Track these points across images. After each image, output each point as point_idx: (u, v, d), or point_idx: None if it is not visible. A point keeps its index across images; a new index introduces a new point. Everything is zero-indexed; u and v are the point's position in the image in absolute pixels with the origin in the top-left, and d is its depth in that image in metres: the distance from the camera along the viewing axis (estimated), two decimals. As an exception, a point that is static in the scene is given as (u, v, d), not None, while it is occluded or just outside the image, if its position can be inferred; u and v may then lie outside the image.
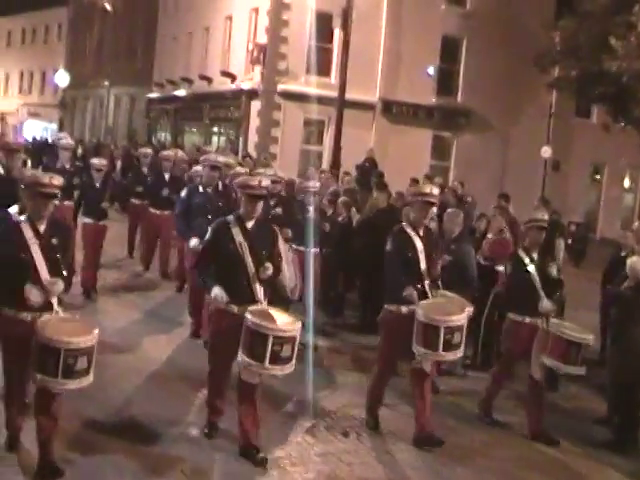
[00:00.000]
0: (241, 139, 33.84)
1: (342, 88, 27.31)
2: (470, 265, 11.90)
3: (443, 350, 8.51)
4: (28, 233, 7.00)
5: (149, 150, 19.46)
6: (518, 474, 8.49)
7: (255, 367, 7.56)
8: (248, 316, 7.56)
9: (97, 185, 14.39)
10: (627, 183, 37.91)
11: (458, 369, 12.04)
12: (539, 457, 9.10)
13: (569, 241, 13.72)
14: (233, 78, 34.67)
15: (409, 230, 8.99)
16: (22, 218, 7.07)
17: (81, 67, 54.92)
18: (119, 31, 51.05)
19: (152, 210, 16.60)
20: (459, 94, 34.30)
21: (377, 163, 24.55)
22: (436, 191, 9.41)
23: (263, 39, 32.36)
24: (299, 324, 7.71)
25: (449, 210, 13.20)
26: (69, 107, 58.64)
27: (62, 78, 45.44)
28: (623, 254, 12.44)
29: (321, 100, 30.22)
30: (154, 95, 44.71)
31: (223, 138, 37.83)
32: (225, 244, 7.93)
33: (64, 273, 7.12)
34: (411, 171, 21.42)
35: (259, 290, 7.92)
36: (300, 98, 31.41)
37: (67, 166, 15.20)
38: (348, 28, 27.13)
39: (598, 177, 38.03)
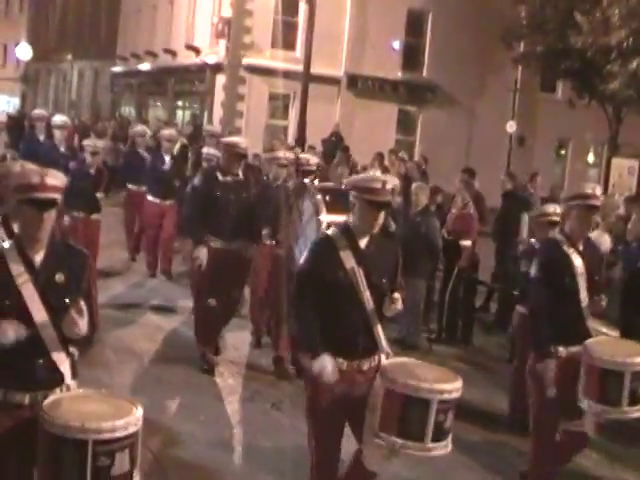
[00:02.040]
0: (206, 113, 33.64)
1: (307, 62, 27.16)
2: (435, 238, 11.94)
3: (628, 404, 6.37)
4: (16, 267, 4.59)
5: (145, 129, 17.17)
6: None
7: (413, 448, 5.44)
8: (394, 376, 5.43)
9: (91, 172, 12.70)
10: (591, 158, 38.08)
11: (424, 343, 12.05)
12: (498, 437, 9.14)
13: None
14: (198, 52, 34.41)
15: (565, 247, 6.80)
16: (6, 245, 4.68)
17: (44, 40, 54.30)
18: (82, 4, 50.50)
19: (151, 199, 14.51)
20: (425, 69, 34.26)
21: (343, 137, 24.49)
22: (599, 191, 7.44)
23: (228, 12, 32.10)
24: (459, 380, 5.57)
25: (415, 184, 13.21)
26: (31, 81, 58.08)
27: (24, 51, 44.87)
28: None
29: (286, 74, 30.10)
30: (118, 69, 44.33)
31: (188, 112, 37.62)
32: (331, 273, 5.67)
33: (79, 327, 4.59)
34: (376, 145, 21.33)
35: (380, 334, 5.78)
36: (265, 72, 31.26)
37: (62, 149, 14.03)
38: (313, 1, 26.93)
39: (563, 152, 38.19)
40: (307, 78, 27.39)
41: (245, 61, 31.63)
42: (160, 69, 38.14)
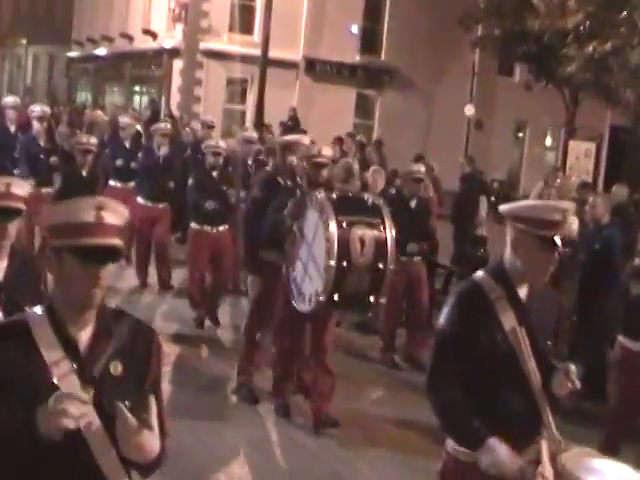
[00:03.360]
0: (163, 98, 33.39)
1: (265, 46, 27.04)
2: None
3: None
4: (50, 353, 3.12)
5: (130, 120, 15.75)
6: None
7: None
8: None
9: (84, 173, 11.76)
10: (549, 141, 38.34)
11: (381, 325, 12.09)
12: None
13: (492, 198, 13.80)
14: (154, 36, 34.11)
15: None
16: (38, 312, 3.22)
17: (-3, 25, 53.63)
18: (37, -13, 49.91)
19: (142, 201, 13.03)
20: (383, 52, 34.25)
21: (300, 121, 24.43)
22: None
23: (185, -4, 31.89)
24: None
25: (373, 167, 13.24)
26: (-15, 66, 57.33)
27: (-23, 36, 44.29)
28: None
29: (244, 58, 29.92)
30: (74, 54, 43.86)
31: (145, 97, 37.33)
32: (485, 337, 4.15)
33: (150, 448, 3.16)
34: (335, 129, 21.30)
35: (550, 420, 4.31)
36: (223, 56, 31.10)
37: (41, 143, 12.90)
38: (271, -15, 26.82)
39: (520, 135, 38.40)
40: (265, 62, 27.28)
41: (202, 45, 31.44)
42: (117, 54, 37.78)
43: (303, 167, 8.57)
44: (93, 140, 12.35)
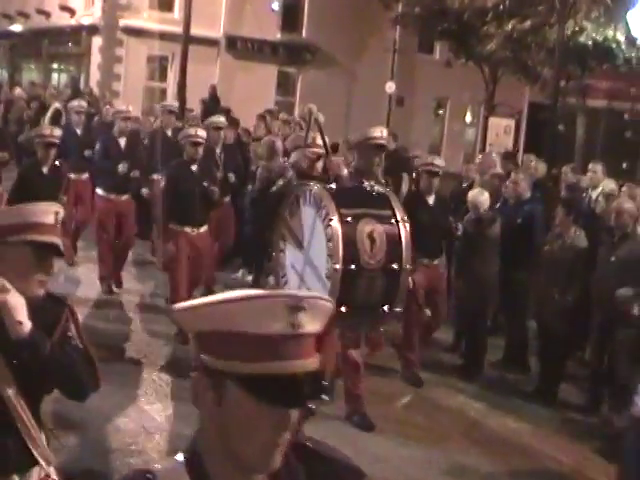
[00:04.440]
0: (82, 76, 32.94)
1: (186, 23, 26.79)
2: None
3: None
4: None
5: (83, 103, 14.68)
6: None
7: None
8: None
9: (45, 170, 10.57)
10: (469, 118, 38.73)
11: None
12: (388, 388, 9.33)
13: (413, 175, 13.94)
14: (72, 13, 33.57)
15: None
16: None
17: None
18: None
19: (102, 193, 12.23)
20: (304, 30, 34.21)
21: (219, 99, 24.36)
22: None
23: (103, -28, 31.44)
24: None
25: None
26: None
27: None
28: (464, 185, 12.80)
29: (164, 36, 29.63)
30: (-12, 30, 42.96)
31: (64, 75, 36.76)
32: None
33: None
34: (257, 107, 21.24)
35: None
36: (143, 34, 30.74)
37: None
38: (191, -38, 26.56)
39: (441, 112, 38.73)
40: (186, 40, 27.05)
41: (122, 22, 31.05)
42: (33, 30, 37.05)
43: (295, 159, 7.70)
44: (57, 132, 10.87)
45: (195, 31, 27.48)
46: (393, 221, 6.62)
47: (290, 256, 6.81)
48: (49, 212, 3.51)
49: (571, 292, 9.36)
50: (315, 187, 6.68)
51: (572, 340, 9.97)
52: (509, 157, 15.13)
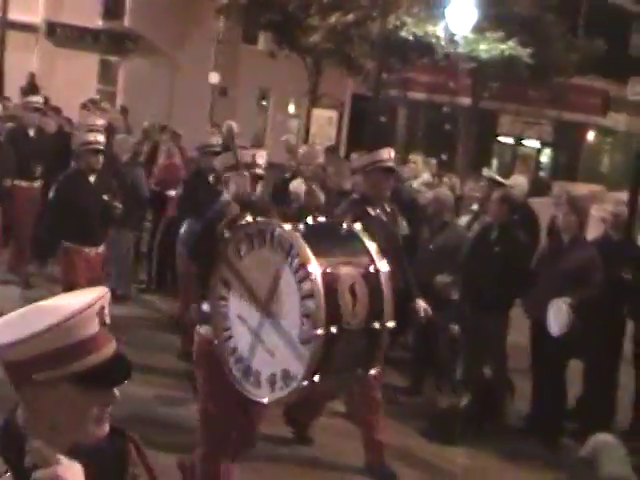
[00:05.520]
0: None
1: (4, 8, 25.98)
2: (141, 189, 11.97)
3: None
4: None
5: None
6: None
7: None
8: None
9: None
10: (292, 109, 39.01)
11: (134, 294, 12.09)
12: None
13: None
14: None
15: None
16: None
17: None
18: None
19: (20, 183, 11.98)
20: (126, 18, 33.64)
21: (38, 87, 23.76)
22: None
23: None
24: None
25: (118, 136, 13.11)
26: None
27: None
28: (287, 176, 12.90)
29: (-21, 21, 28.61)
30: None
31: None
32: None
33: None
34: (78, 96, 20.76)
35: None
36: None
37: None
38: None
39: (265, 103, 38.87)
40: (4, 25, 26.21)
41: None
42: None
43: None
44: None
45: (13, 16, 26.70)
46: (372, 269, 5.54)
47: (236, 307, 5.58)
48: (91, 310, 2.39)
49: (394, 278, 9.55)
50: (280, 226, 5.41)
51: (398, 325, 10.18)
52: (332, 151, 15.39)
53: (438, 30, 25.97)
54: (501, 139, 38.75)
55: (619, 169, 35.78)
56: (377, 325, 5.46)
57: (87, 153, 9.19)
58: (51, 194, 9.25)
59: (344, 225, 5.78)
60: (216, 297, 5.70)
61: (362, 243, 5.67)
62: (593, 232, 11.31)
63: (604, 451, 8.20)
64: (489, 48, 26.24)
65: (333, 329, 5.16)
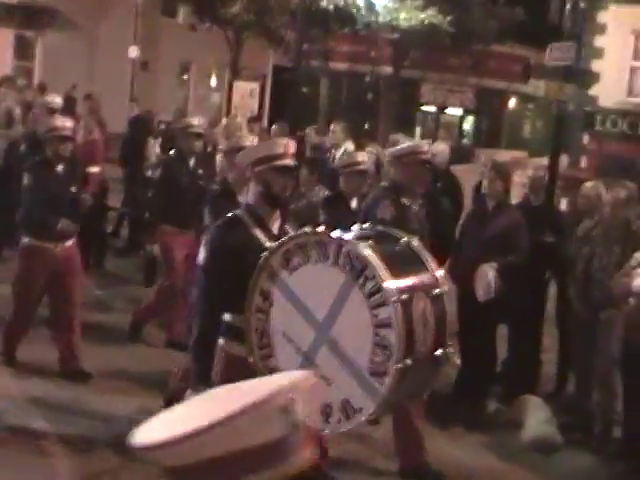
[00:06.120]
0: None
1: None
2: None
3: None
4: None
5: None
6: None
7: None
8: None
9: None
10: (214, 82, 38.71)
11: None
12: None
13: (159, 139, 13.89)
14: None
15: None
16: None
17: None
18: None
19: None
20: (42, -8, 33.03)
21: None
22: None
23: None
24: None
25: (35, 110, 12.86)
26: None
27: None
28: (209, 150, 12.81)
29: None
30: None
31: None
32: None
33: None
34: (-7, 72, 20.42)
35: None
36: None
37: None
38: None
39: (186, 77, 38.50)
40: None
41: None
42: None
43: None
44: None
45: None
46: (438, 292, 5.04)
47: (280, 323, 4.99)
48: None
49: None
50: (349, 242, 4.82)
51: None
52: (255, 120, 15.30)
53: (358, 0, 25.97)
54: (424, 107, 38.94)
55: (540, 135, 36.24)
56: (440, 352, 5.00)
57: (54, 140, 8.39)
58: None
59: (401, 238, 5.23)
60: (252, 310, 5.02)
61: (422, 259, 5.18)
62: (515, 198, 11.42)
63: (529, 413, 8.33)
64: (409, 17, 26.34)
65: (408, 361, 4.66)
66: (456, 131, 38.68)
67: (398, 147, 7.79)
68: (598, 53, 26.41)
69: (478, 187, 10.47)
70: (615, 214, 8.66)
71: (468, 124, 39.66)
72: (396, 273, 4.74)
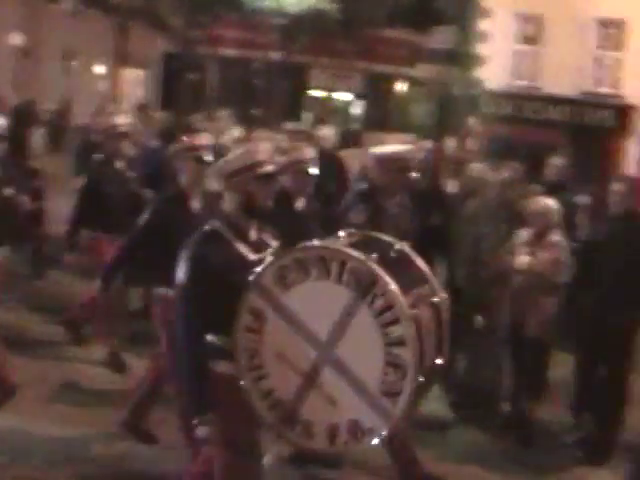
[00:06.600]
0: None
1: None
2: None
3: None
4: None
5: None
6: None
7: None
8: None
9: None
10: (100, 69, 38.14)
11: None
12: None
13: (44, 129, 13.63)
14: None
15: None
16: None
17: None
18: None
19: None
20: None
21: None
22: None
23: None
24: None
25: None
26: None
27: None
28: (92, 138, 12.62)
29: None
30: None
31: None
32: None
33: None
34: None
35: None
36: None
37: None
38: None
39: (72, 64, 37.84)
40: None
41: None
42: None
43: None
44: None
45: None
46: (436, 300, 5.01)
47: (274, 343, 4.76)
48: None
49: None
50: (358, 257, 4.61)
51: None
52: (142, 109, 15.17)
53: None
54: (312, 92, 39.00)
55: (428, 119, 36.69)
56: (439, 361, 4.94)
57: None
58: None
59: (393, 244, 5.11)
60: (241, 330, 4.77)
61: (418, 268, 5.09)
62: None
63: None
64: (297, 2, 26.35)
65: (421, 379, 4.58)
66: (345, 116, 38.82)
67: (381, 150, 7.46)
68: (482, 37, 26.87)
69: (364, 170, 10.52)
70: (500, 194, 8.83)
71: (357, 108, 39.84)
72: (402, 287, 4.55)
